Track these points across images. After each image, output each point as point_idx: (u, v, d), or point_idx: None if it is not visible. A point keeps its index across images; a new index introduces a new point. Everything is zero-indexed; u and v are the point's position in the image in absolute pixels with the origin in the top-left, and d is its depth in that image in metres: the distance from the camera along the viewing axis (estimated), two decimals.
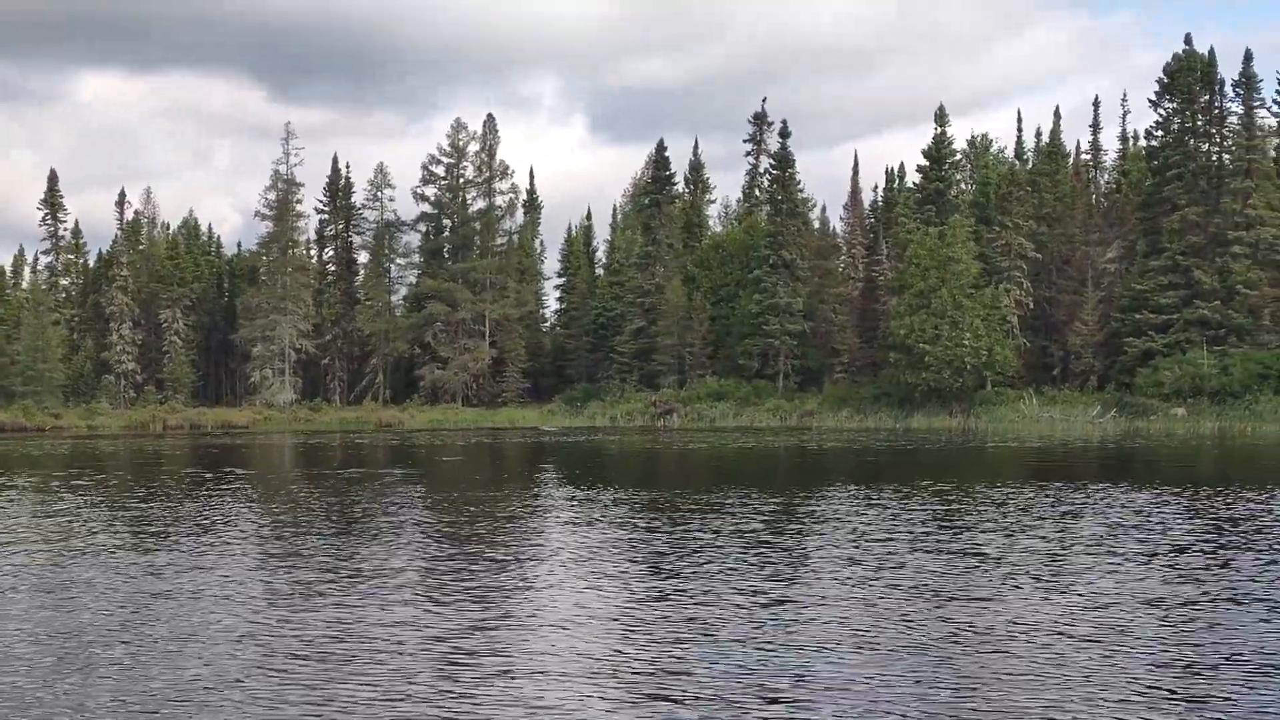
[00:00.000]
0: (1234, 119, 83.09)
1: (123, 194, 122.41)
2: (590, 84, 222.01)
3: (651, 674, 8.99)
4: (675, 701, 8.23)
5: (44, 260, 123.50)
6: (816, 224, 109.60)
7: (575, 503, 22.88)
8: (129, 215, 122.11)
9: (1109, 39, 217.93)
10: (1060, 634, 10.26)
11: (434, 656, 9.49)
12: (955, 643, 9.95)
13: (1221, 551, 15.25)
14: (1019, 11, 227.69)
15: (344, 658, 9.44)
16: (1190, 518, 18.98)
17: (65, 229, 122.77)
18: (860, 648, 9.79)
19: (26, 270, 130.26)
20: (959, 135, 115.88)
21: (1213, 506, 20.67)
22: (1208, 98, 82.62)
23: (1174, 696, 8.27)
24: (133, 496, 26.15)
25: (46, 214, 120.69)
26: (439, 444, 55.77)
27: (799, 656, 9.49)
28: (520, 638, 10.24)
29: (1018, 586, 12.72)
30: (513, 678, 8.84)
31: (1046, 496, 22.92)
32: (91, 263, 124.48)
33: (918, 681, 8.66)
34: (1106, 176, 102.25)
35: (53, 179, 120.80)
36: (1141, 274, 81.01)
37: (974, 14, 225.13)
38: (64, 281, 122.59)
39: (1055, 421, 73.64)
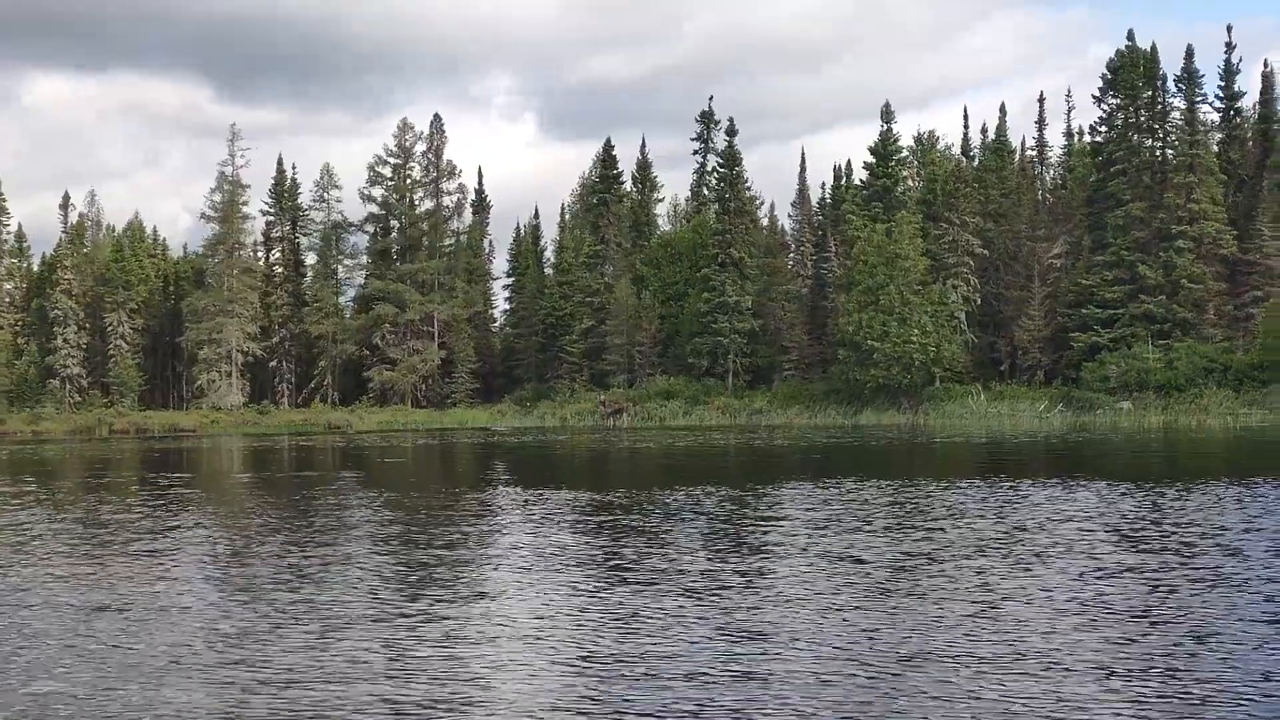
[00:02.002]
0: (1177, 114, 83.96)
1: (66, 197, 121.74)
2: (543, 82, 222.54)
3: (607, 676, 8.92)
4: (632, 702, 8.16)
5: None
6: (765, 221, 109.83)
7: (525, 503, 22.78)
8: (73, 218, 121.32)
9: (1064, 33, 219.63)
10: (1001, 624, 10.26)
11: (385, 664, 9.38)
12: (901, 633, 9.93)
13: (1172, 544, 15.31)
14: (979, 6, 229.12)
15: (294, 668, 9.32)
16: (1135, 512, 19.05)
17: (9, 232, 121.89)
18: (808, 641, 9.74)
19: None
20: (906, 132, 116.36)
21: (1159, 501, 20.76)
22: (1150, 93, 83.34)
23: (1125, 684, 8.26)
24: (79, 502, 25.89)
25: None
26: (389, 445, 55.52)
27: (749, 648, 9.44)
28: (474, 641, 10.13)
29: (960, 580, 12.71)
30: (468, 681, 8.74)
31: (991, 491, 22.97)
32: (35, 266, 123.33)
33: (866, 674, 8.62)
34: (1052, 173, 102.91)
35: None
36: (1087, 269, 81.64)
37: (933, 8, 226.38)
38: (7, 286, 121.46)
39: (1003, 416, 74.03)
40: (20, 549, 17.06)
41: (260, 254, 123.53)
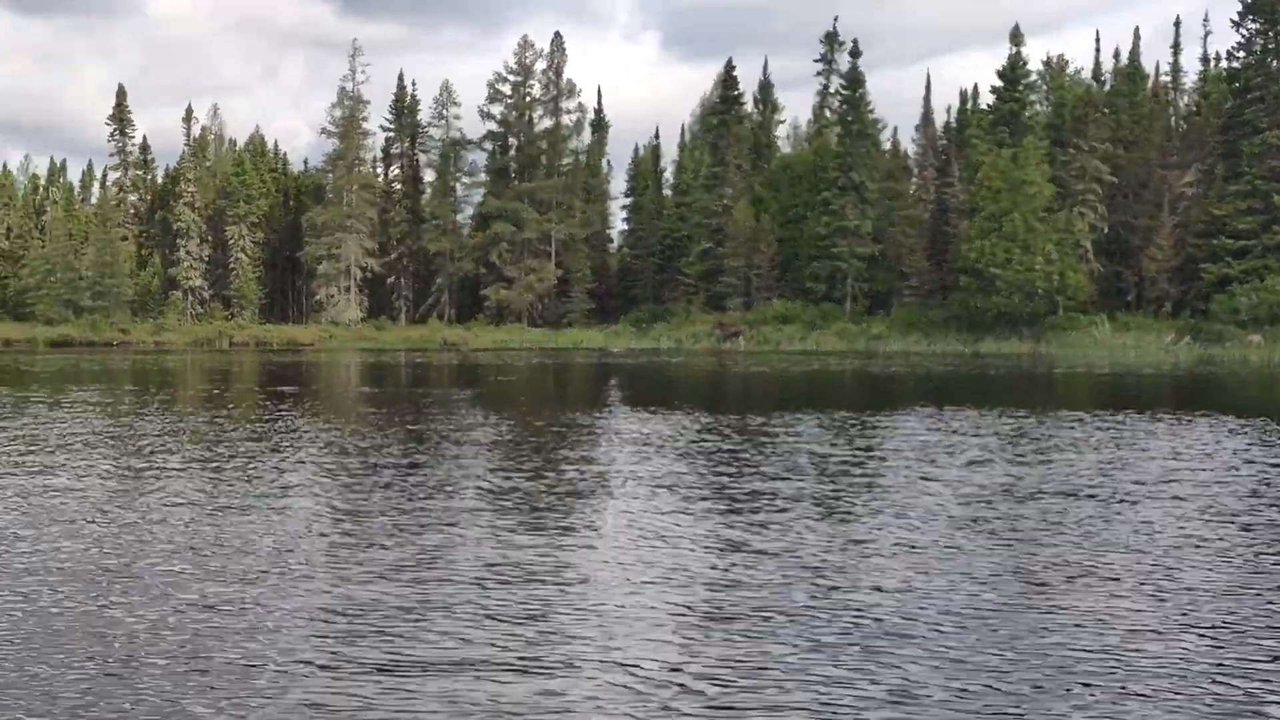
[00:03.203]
0: None
1: (189, 110, 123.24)
2: (665, 1, 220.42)
3: (721, 606, 8.49)
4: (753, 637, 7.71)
5: (112, 176, 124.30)
6: (887, 146, 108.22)
7: (637, 425, 22.45)
8: (196, 131, 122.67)
9: None
10: (1106, 574, 9.67)
11: (502, 583, 9.04)
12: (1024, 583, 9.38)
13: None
14: None
15: (411, 586, 9.02)
16: (1261, 449, 18.26)
17: (133, 145, 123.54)
18: (916, 582, 9.23)
19: (95, 186, 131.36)
20: (1035, 56, 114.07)
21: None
22: None
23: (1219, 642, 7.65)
24: (201, 412, 25.99)
25: (115, 129, 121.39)
26: (504, 364, 55.57)
27: (860, 584, 8.95)
28: (590, 566, 9.76)
29: (1073, 522, 12.11)
30: (586, 610, 8.36)
31: (1118, 424, 22.23)
32: (159, 179, 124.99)
33: (976, 617, 8.09)
34: (1186, 99, 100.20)
35: (121, 94, 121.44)
36: (1219, 198, 79.45)
37: None
38: (132, 198, 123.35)
39: (1128, 348, 72.55)
40: (138, 453, 17.01)
41: (379, 170, 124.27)
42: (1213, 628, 7.81)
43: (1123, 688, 6.64)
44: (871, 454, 17.37)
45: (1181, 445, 18.52)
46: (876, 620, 7.98)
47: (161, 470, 15.56)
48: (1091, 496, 13.31)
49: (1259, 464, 16.27)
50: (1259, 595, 8.70)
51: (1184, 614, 8.15)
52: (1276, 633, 7.71)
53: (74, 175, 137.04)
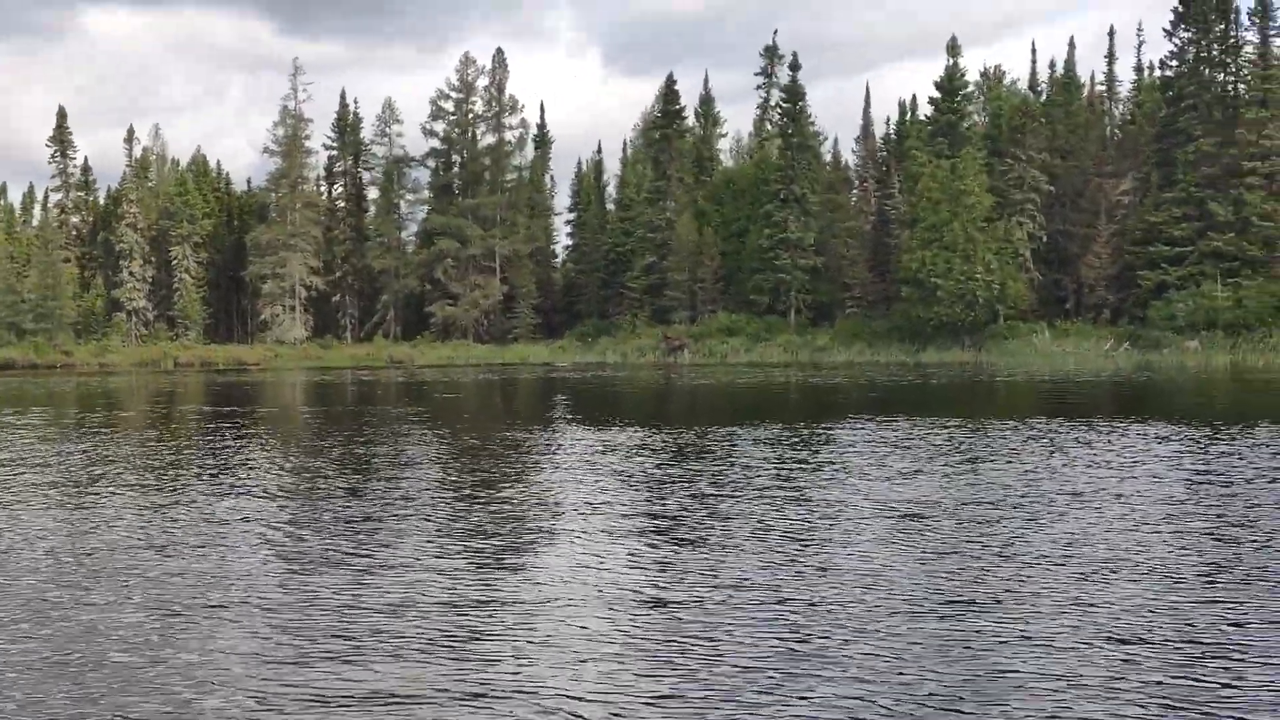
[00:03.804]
0: (1249, 48, 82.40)
1: (131, 130, 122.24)
2: (605, 15, 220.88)
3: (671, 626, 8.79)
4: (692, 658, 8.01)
5: (54, 198, 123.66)
6: (828, 157, 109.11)
7: (582, 441, 22.69)
8: (137, 152, 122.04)
9: None
10: (1051, 571, 10.03)
11: (443, 608, 9.27)
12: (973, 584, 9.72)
13: (1222, 489, 14.99)
14: None
15: (347, 613, 9.25)
16: (1189, 456, 18.71)
17: (75, 166, 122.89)
18: (871, 590, 9.56)
19: (36, 208, 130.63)
20: (972, 67, 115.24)
21: (1220, 443, 20.39)
22: (1223, 27, 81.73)
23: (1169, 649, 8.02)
24: (145, 434, 26.02)
25: (56, 151, 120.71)
26: (449, 381, 55.65)
27: (815, 594, 9.27)
28: (526, 591, 10.00)
29: (1028, 526, 12.48)
30: (528, 631, 8.62)
31: (1054, 431, 22.67)
32: (101, 200, 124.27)
33: (934, 628, 8.43)
34: (1121, 108, 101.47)
35: (61, 115, 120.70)
36: (1155, 206, 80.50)
37: None
38: (74, 219, 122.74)
39: (1067, 355, 73.35)
40: (82, 480, 17.12)
41: (323, 189, 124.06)
42: (1124, 642, 8.15)
43: (1038, 703, 6.97)
44: (806, 468, 17.68)
45: (1111, 453, 18.92)
46: (800, 640, 8.28)
47: (100, 495, 15.68)
48: (1016, 507, 13.65)
49: (1186, 470, 16.70)
50: (1175, 609, 9.05)
51: (1098, 628, 8.49)
52: (1188, 645, 8.07)
53: (15, 197, 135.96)
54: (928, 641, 7.99)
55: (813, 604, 9.05)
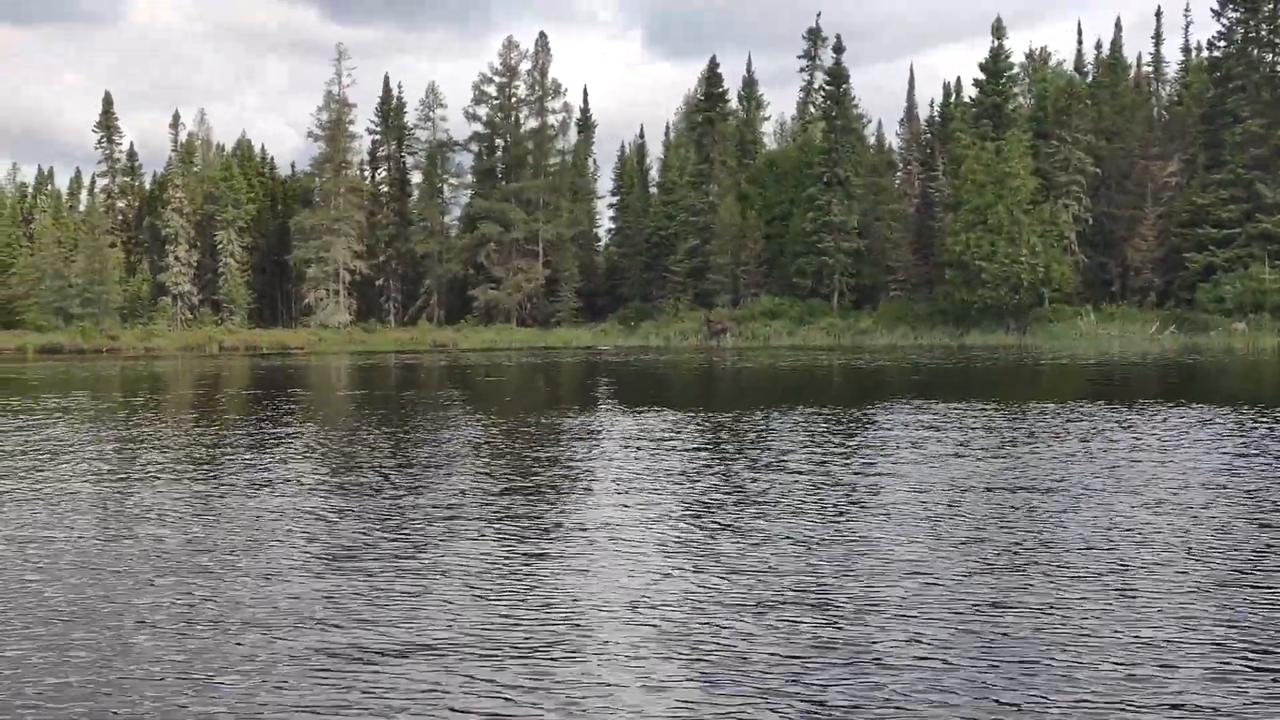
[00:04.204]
0: None
1: (176, 116, 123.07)
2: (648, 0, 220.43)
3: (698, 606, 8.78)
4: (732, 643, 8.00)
5: (100, 183, 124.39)
6: (872, 140, 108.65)
7: (625, 423, 22.71)
8: (183, 137, 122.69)
9: None
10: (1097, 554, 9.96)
11: (488, 587, 9.28)
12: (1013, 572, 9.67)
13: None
14: None
15: (397, 589, 9.27)
16: (1230, 439, 18.55)
17: (121, 151, 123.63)
18: (914, 576, 9.52)
19: (83, 193, 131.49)
20: (1017, 48, 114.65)
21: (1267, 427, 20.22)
22: (1272, 6, 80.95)
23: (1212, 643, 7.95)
24: (187, 419, 26.17)
25: (102, 136, 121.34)
26: (492, 364, 55.74)
27: (854, 582, 9.24)
28: (576, 568, 10.00)
29: (1068, 509, 12.41)
30: (569, 608, 8.63)
31: (1098, 415, 22.52)
32: (147, 185, 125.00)
33: (976, 609, 8.39)
34: (1168, 89, 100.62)
35: (108, 101, 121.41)
36: (1202, 188, 79.86)
37: None
38: (120, 204, 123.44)
39: (1113, 338, 72.89)
40: (129, 462, 17.22)
41: (366, 173, 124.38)
42: (1163, 631, 8.09)
43: (1079, 683, 6.93)
44: (846, 452, 17.62)
45: (1154, 437, 18.78)
46: (834, 628, 8.27)
47: (147, 477, 15.79)
48: (1052, 492, 13.56)
49: (1228, 454, 16.56)
50: (1214, 596, 8.99)
51: (1139, 617, 8.44)
52: (1230, 632, 8.00)
53: (62, 183, 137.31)
54: (963, 630, 7.94)
55: (848, 591, 9.01)
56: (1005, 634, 7.71)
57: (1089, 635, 7.67)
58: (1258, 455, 16.21)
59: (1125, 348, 62.72)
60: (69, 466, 16.95)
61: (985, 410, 23.95)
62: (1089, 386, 33.96)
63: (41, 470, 16.54)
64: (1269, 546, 10.27)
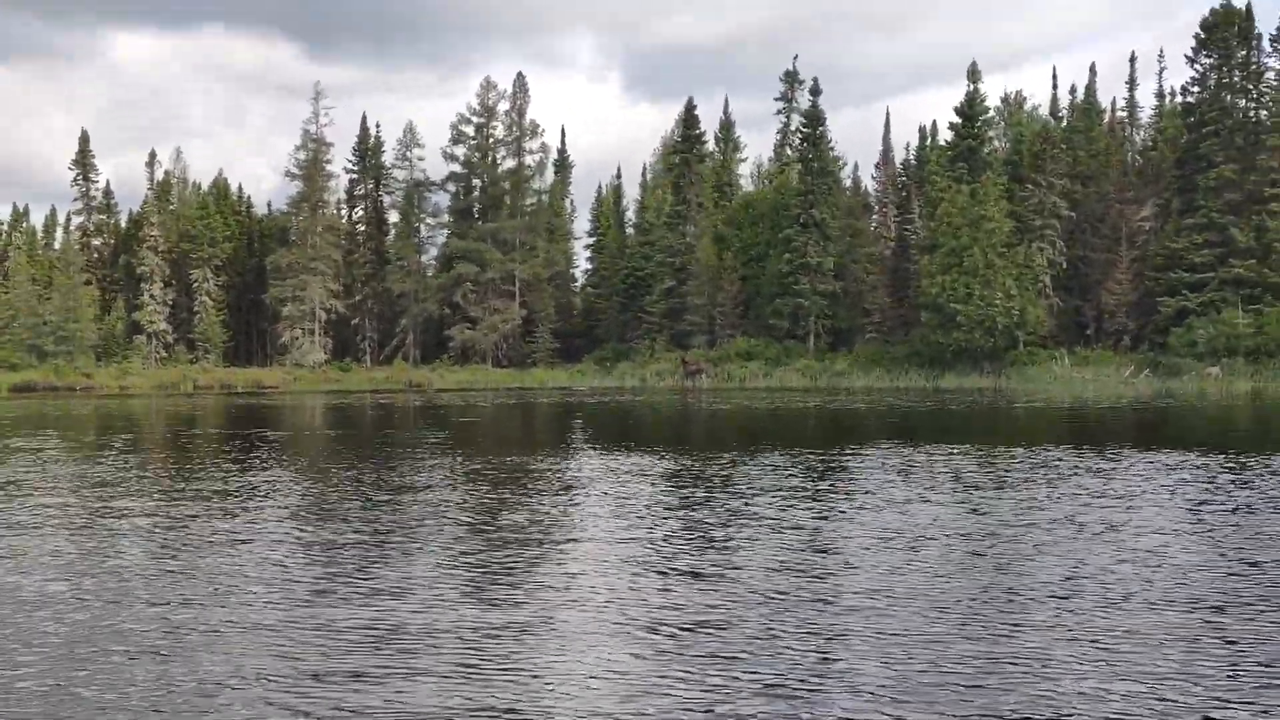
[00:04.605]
0: (1271, 74, 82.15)
1: (153, 154, 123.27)
2: (626, 40, 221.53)
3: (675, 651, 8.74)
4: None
5: (76, 220, 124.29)
6: (848, 183, 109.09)
7: (599, 466, 22.65)
8: (159, 175, 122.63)
9: None
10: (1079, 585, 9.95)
11: (463, 637, 9.23)
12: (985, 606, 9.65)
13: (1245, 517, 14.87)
14: None
15: (372, 637, 9.22)
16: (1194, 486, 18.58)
17: (97, 189, 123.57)
18: (889, 617, 9.49)
19: (59, 230, 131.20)
20: (993, 93, 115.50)
21: (1238, 473, 20.26)
22: (1245, 53, 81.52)
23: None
24: (165, 457, 26.03)
25: (78, 174, 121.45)
26: (468, 405, 55.65)
27: (829, 616, 9.21)
28: (552, 616, 9.95)
29: (1044, 550, 12.40)
30: (543, 659, 8.59)
31: (1066, 460, 22.55)
32: (123, 223, 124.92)
33: (948, 647, 8.36)
34: (1142, 134, 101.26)
35: (84, 139, 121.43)
36: (1176, 232, 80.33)
37: None
38: (96, 242, 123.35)
39: (1087, 382, 73.08)
40: (92, 503, 17.11)
41: (343, 212, 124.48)
42: (1125, 671, 8.07)
43: None
44: (820, 494, 17.60)
45: (1121, 482, 18.79)
46: (805, 673, 8.23)
47: (111, 519, 15.67)
48: (1016, 539, 13.56)
49: (1194, 500, 16.58)
50: (1177, 640, 8.97)
51: (1100, 657, 8.42)
52: (1191, 677, 7.99)
53: (37, 220, 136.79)
54: (923, 682, 7.91)
55: (819, 633, 8.98)
56: (965, 682, 7.69)
57: (1049, 683, 7.64)
58: (1222, 502, 16.23)
59: (1099, 391, 62.89)
60: (34, 505, 16.83)
61: (956, 454, 23.97)
62: (1062, 430, 34.03)
63: (5, 509, 16.42)
64: (1227, 594, 10.27)
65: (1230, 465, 21.05)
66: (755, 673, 7.99)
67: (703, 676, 7.93)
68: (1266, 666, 8.04)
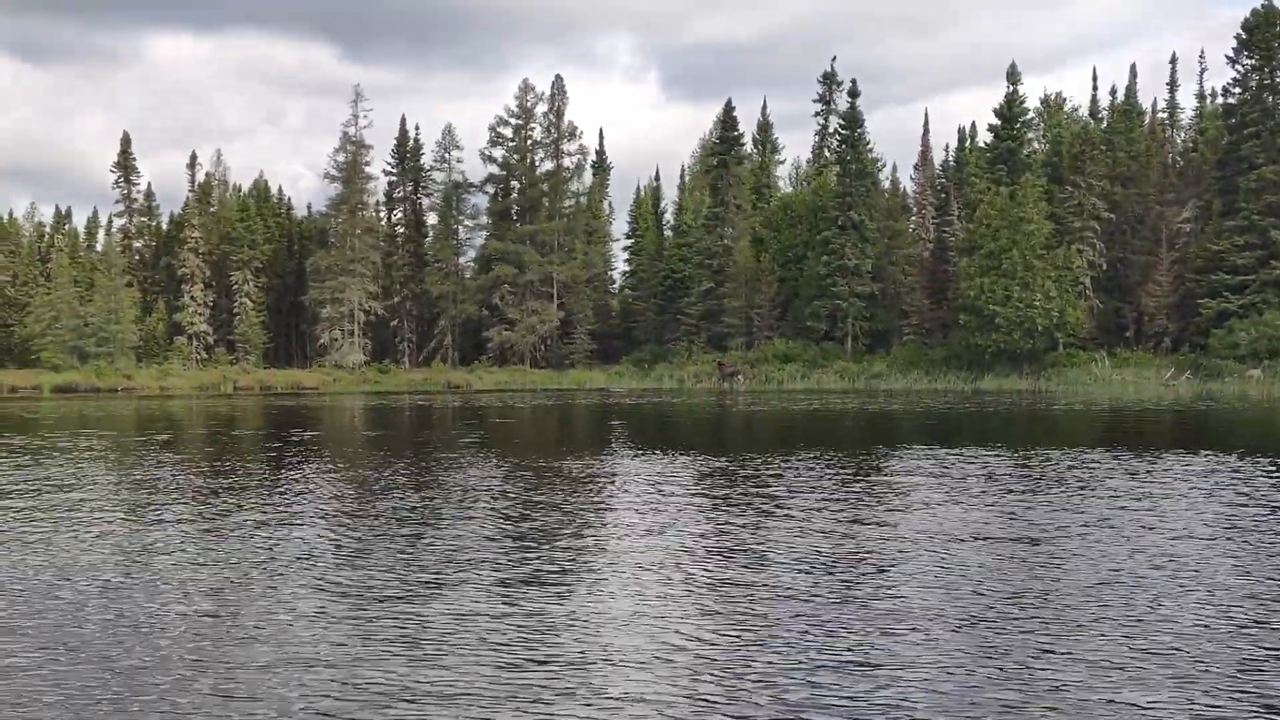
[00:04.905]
0: None
1: (194, 156, 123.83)
2: (664, 41, 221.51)
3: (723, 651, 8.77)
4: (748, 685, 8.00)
5: (117, 222, 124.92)
6: (886, 184, 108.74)
7: (638, 467, 22.69)
8: (200, 177, 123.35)
9: None
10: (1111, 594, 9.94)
11: (494, 636, 9.27)
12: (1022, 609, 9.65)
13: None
14: None
15: (413, 636, 9.27)
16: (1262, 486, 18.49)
17: (138, 191, 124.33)
18: (925, 623, 9.51)
19: (100, 232, 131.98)
20: (1032, 94, 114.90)
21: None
22: None
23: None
24: (205, 458, 26.19)
25: (120, 176, 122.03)
26: (505, 406, 55.79)
27: (866, 632, 9.23)
28: (574, 620, 9.99)
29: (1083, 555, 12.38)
30: (587, 657, 8.63)
31: (1098, 464, 22.46)
32: (164, 225, 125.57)
33: (988, 654, 8.38)
34: (1183, 135, 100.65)
35: (125, 141, 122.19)
36: (1217, 234, 79.88)
37: None
38: (137, 244, 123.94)
39: (1127, 383, 72.74)
40: (153, 499, 17.25)
41: (382, 214, 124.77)
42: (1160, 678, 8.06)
43: None
44: (850, 498, 17.59)
45: (1158, 485, 18.72)
46: (842, 674, 8.25)
47: (150, 520, 15.79)
48: (1046, 541, 13.54)
49: (1231, 503, 16.50)
50: (1205, 645, 8.95)
51: (1129, 670, 8.41)
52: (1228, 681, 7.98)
53: (79, 222, 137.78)
54: (959, 683, 7.93)
55: (855, 635, 9.00)
56: (1000, 683, 7.70)
57: (1078, 688, 7.65)
58: (1260, 506, 16.15)
59: (1139, 393, 62.57)
60: (75, 506, 16.97)
61: (994, 456, 23.90)
62: (1101, 433, 33.89)
63: (48, 508, 16.57)
64: (1267, 601, 10.24)
65: (1271, 469, 20.94)
66: (787, 670, 8.01)
67: (740, 672, 7.97)
68: None
